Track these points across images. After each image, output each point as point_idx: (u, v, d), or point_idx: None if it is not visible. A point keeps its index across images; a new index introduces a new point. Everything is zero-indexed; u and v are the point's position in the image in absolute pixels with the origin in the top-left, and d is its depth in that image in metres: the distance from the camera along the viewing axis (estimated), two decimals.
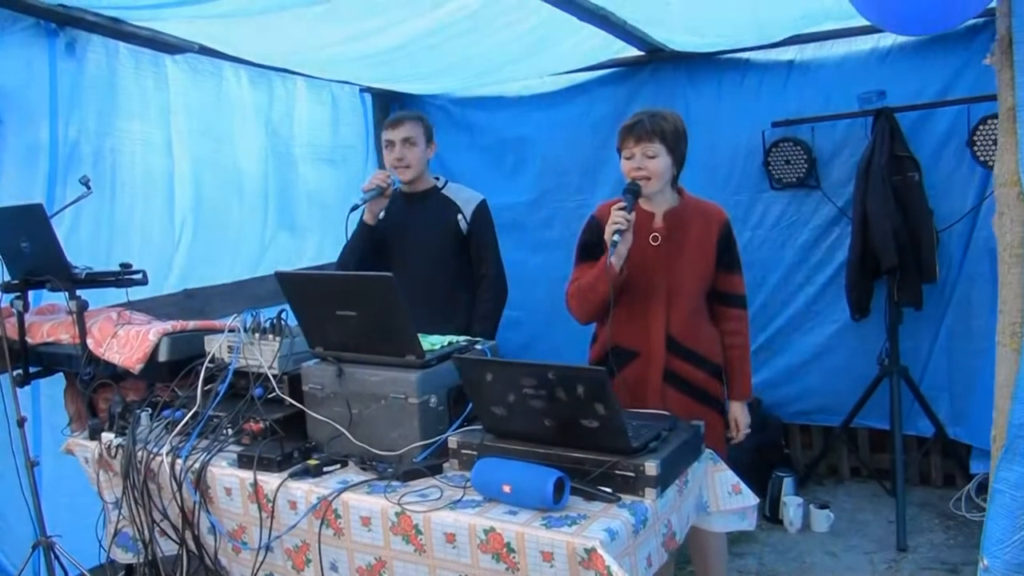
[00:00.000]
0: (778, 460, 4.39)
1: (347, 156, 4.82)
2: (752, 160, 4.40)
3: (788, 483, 4.13)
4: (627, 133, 2.72)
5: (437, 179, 3.52)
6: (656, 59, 4.48)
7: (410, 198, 3.46)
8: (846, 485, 4.52)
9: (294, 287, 2.40)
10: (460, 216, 3.41)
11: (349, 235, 3.33)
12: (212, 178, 3.98)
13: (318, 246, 4.63)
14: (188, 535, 2.40)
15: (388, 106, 5.09)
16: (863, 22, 3.59)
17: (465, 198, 3.45)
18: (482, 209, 3.45)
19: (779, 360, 4.50)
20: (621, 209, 2.60)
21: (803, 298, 4.42)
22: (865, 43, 4.11)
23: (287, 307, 2.46)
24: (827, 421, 4.48)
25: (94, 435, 2.63)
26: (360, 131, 4.95)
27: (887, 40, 4.05)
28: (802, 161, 4.24)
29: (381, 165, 5.04)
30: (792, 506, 4.04)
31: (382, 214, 3.36)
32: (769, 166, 4.32)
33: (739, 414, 2.91)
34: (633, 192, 2.67)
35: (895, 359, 4.04)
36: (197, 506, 2.34)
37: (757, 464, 4.20)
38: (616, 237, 2.58)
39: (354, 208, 3.19)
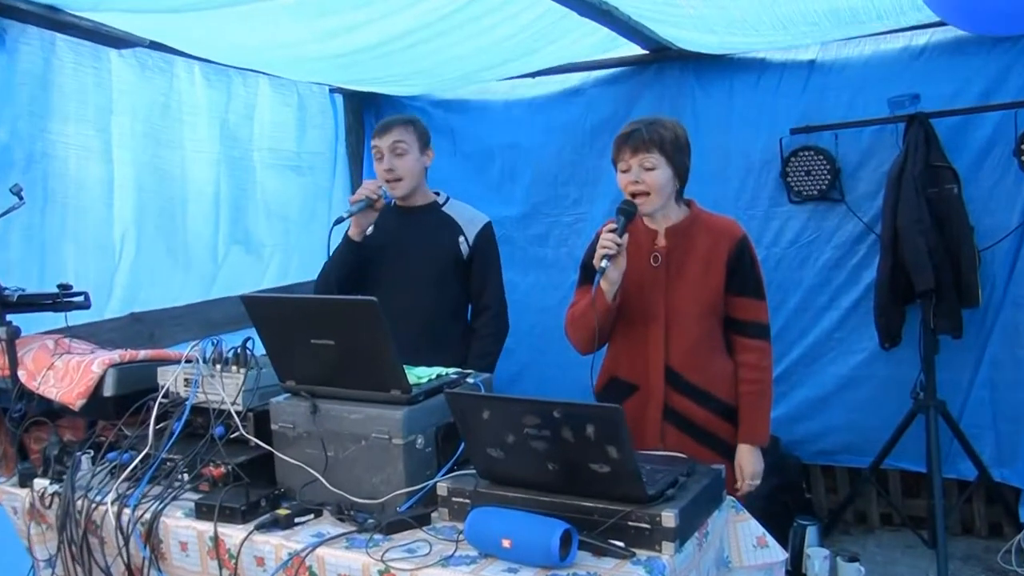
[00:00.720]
0: (799, 506, 4.39)
1: (314, 163, 4.81)
2: (768, 171, 4.42)
3: (811, 532, 4.10)
4: (622, 143, 2.74)
5: (437, 194, 3.50)
6: (661, 58, 4.50)
7: (405, 213, 3.43)
8: (877, 535, 4.52)
9: (262, 312, 2.37)
10: (462, 238, 3.40)
11: (331, 251, 3.30)
12: (157, 186, 3.93)
13: (280, 265, 4.60)
14: None
15: (360, 109, 5.11)
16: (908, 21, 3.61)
17: (468, 218, 3.44)
18: (487, 232, 3.45)
19: (799, 393, 4.51)
20: (612, 231, 2.62)
21: (826, 324, 4.42)
22: (896, 41, 4.12)
23: (253, 334, 2.42)
24: (854, 462, 4.48)
25: (24, 482, 2.58)
26: (329, 136, 4.95)
27: (922, 37, 4.06)
28: (824, 172, 4.25)
29: (355, 174, 5.07)
30: (817, 559, 4.00)
31: (370, 229, 3.34)
32: (787, 177, 4.33)
33: (746, 460, 2.85)
34: (626, 213, 2.68)
35: (931, 392, 4.03)
36: (147, 563, 2.29)
37: (775, 510, 4.17)
38: (605, 264, 2.59)
39: (338, 221, 3.17)
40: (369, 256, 3.38)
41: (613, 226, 2.64)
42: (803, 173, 4.29)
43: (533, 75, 4.77)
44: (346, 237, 3.33)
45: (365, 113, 5.14)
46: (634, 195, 2.73)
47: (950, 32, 3.96)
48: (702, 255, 2.80)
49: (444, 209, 3.45)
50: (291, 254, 4.62)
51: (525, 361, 4.89)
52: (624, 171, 2.75)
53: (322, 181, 4.85)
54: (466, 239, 3.40)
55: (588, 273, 2.83)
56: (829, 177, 4.25)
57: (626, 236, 2.66)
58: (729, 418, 2.86)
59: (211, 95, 4.15)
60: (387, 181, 3.34)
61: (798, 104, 4.30)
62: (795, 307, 4.46)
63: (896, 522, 4.53)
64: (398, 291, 3.27)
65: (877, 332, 4.15)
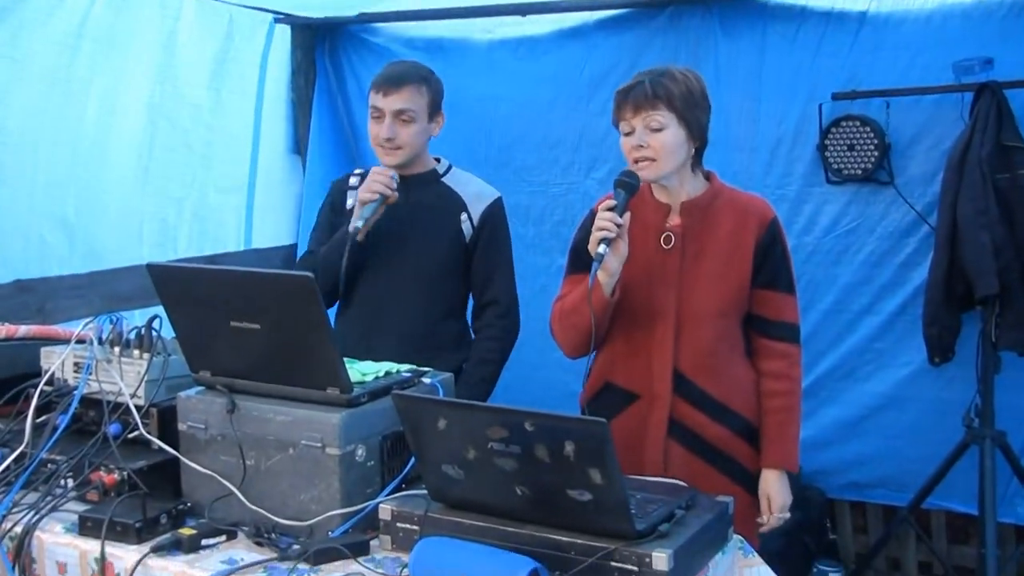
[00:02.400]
0: (821, 548, 4.43)
1: (243, 108, 4.80)
2: (803, 143, 4.42)
3: None
4: (623, 100, 2.73)
5: (438, 161, 3.46)
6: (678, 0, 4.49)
7: (403, 185, 3.36)
8: None
9: (171, 285, 2.35)
10: (464, 215, 3.35)
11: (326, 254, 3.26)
12: (51, 129, 3.90)
13: (208, 229, 4.59)
14: None
15: (312, 43, 5.07)
16: None
17: (474, 192, 3.40)
18: (495, 211, 3.41)
19: (827, 413, 4.51)
20: (610, 210, 2.61)
21: (864, 331, 4.43)
22: None
23: (162, 312, 2.41)
24: (889, 499, 4.49)
25: None
26: (280, 78, 4.95)
27: None
28: (871, 147, 4.24)
29: (301, 125, 5.03)
30: None
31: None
32: (826, 151, 4.33)
33: (773, 488, 2.86)
34: (627, 187, 2.68)
35: (988, 420, 4.04)
36: None
37: (792, 553, 4.19)
38: (603, 249, 2.58)
39: (353, 235, 3.14)
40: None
41: (612, 203, 2.62)
42: (845, 148, 4.28)
43: (523, 11, 4.74)
44: (346, 233, 3.24)
45: (318, 52, 5.11)
46: (637, 162, 2.70)
47: None
48: (725, 238, 2.79)
49: (445, 180, 3.40)
50: (224, 217, 4.61)
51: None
52: (627, 133, 2.73)
53: (264, 136, 4.88)
54: (470, 217, 3.35)
55: (580, 259, 2.82)
56: (876, 154, 4.24)
57: (627, 215, 2.64)
58: (748, 438, 2.86)
59: (116, 19, 4.10)
60: (382, 147, 3.29)
61: (844, 64, 4.29)
62: (828, 309, 4.46)
63: (938, 572, 4.56)
64: (382, 279, 3.28)
65: (926, 344, 4.15)
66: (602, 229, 2.58)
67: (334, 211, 3.49)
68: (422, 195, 3.35)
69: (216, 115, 4.61)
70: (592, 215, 2.77)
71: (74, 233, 4.01)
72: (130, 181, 4.23)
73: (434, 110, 3.32)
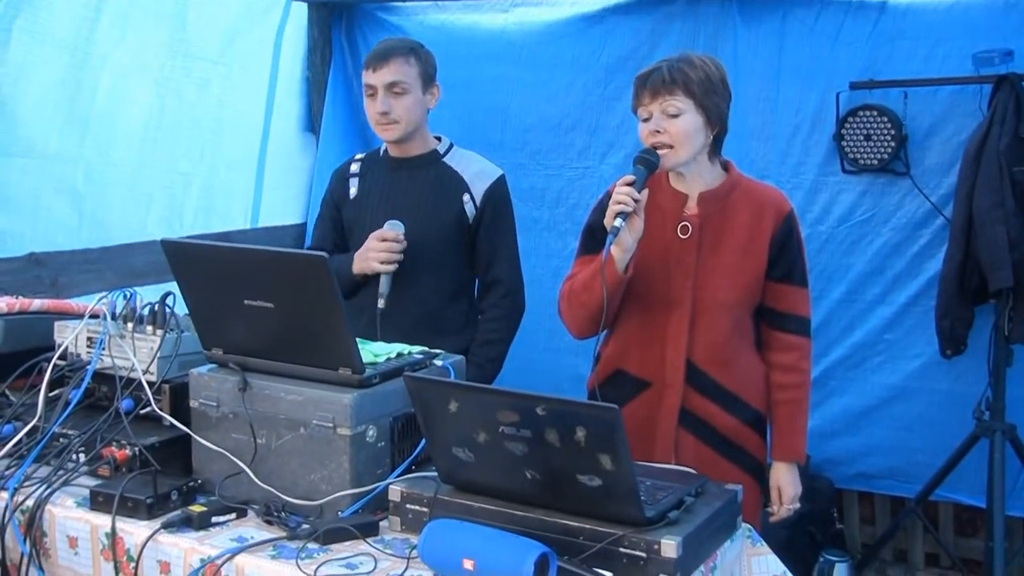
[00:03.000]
0: (828, 538, 4.42)
1: (257, 85, 4.79)
2: (820, 131, 4.40)
3: (841, 570, 4.14)
4: (641, 86, 2.73)
5: (439, 140, 3.45)
6: None
7: (397, 165, 3.38)
8: None
9: (186, 261, 2.35)
10: (467, 196, 3.34)
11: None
12: (66, 103, 3.88)
13: (215, 205, 4.60)
14: None
15: (328, 21, 5.05)
16: None
17: (476, 171, 3.38)
18: (498, 189, 3.39)
19: (836, 403, 4.51)
20: (628, 185, 2.60)
21: (876, 322, 4.42)
22: None
23: (175, 289, 2.41)
24: (898, 490, 4.49)
25: None
26: (295, 56, 4.92)
27: None
28: (888, 137, 4.23)
29: (315, 105, 5.03)
30: None
31: (354, 189, 3.31)
32: (842, 140, 4.32)
33: (785, 480, 2.89)
34: (647, 163, 2.67)
35: (999, 413, 4.03)
36: (26, 560, 2.28)
37: (798, 541, 4.19)
38: (619, 223, 2.57)
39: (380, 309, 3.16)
40: (354, 220, 3.37)
41: (631, 178, 2.61)
42: (861, 137, 4.27)
43: None
44: (355, 276, 3.29)
45: (334, 30, 5.10)
46: (655, 148, 2.69)
47: None
48: (742, 230, 2.79)
49: (446, 160, 3.39)
50: (236, 194, 4.62)
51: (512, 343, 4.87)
52: (645, 119, 2.73)
53: (282, 116, 4.87)
54: (472, 197, 3.33)
55: (593, 239, 2.82)
56: (893, 144, 4.22)
57: (645, 192, 2.63)
58: (758, 428, 2.87)
59: None
60: (380, 125, 3.30)
61: (862, 53, 4.27)
62: (840, 299, 4.45)
63: (945, 564, 4.56)
64: None
65: (938, 336, 4.14)
66: (619, 203, 2.57)
67: (335, 205, 3.50)
68: (423, 177, 3.35)
69: (228, 91, 4.59)
70: (608, 195, 2.77)
71: (83, 206, 4.01)
72: (138, 155, 4.22)
73: (427, 81, 3.32)
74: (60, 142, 3.89)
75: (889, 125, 4.21)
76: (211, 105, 4.53)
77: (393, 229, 3.23)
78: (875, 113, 4.22)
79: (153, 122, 4.27)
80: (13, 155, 3.73)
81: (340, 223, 3.47)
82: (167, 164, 4.36)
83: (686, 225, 2.78)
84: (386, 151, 3.42)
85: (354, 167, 3.48)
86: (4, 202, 3.70)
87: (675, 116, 2.68)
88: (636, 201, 2.58)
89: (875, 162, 4.27)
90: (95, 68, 3.99)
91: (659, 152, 2.69)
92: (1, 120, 3.68)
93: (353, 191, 3.41)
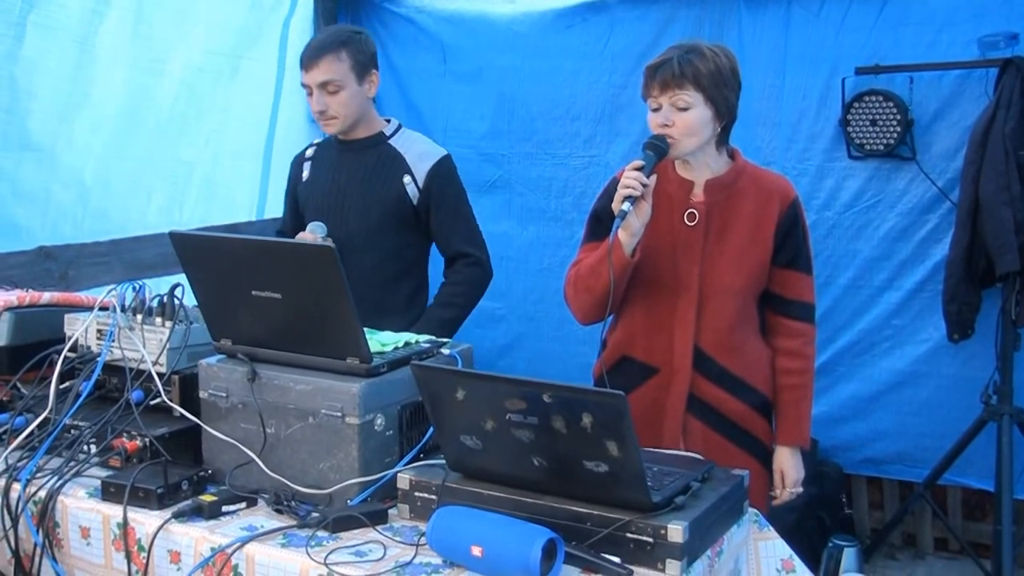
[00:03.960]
0: (836, 523, 4.42)
1: (264, 76, 4.78)
2: (825, 117, 4.40)
3: (849, 555, 4.10)
4: (651, 77, 2.72)
5: (388, 122, 3.44)
6: None
7: (344, 148, 3.39)
8: (928, 562, 4.56)
9: (194, 253, 2.35)
10: (408, 178, 3.32)
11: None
12: (79, 95, 3.87)
13: (228, 198, 4.59)
14: None
15: (335, 13, 5.08)
16: None
17: (419, 152, 3.36)
18: (442, 169, 3.35)
19: (843, 389, 4.52)
20: (637, 170, 2.60)
21: (883, 307, 4.42)
22: None
23: (183, 281, 2.42)
24: (906, 475, 4.49)
25: None
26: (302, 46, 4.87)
27: None
28: (894, 122, 4.22)
29: None
30: None
31: (307, 171, 3.28)
32: (848, 126, 4.31)
33: (787, 464, 2.90)
34: (656, 149, 2.67)
35: (1006, 397, 4.03)
36: (39, 551, 2.28)
37: (807, 527, 4.19)
38: (627, 206, 2.58)
39: None
40: (304, 203, 3.40)
41: (640, 163, 2.61)
42: (867, 122, 4.26)
43: None
44: None
45: (340, 18, 5.10)
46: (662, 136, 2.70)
47: None
48: (749, 217, 2.79)
49: (391, 142, 3.38)
50: (241, 187, 4.61)
51: (517, 331, 4.90)
52: (654, 109, 2.73)
53: (286, 101, 4.85)
54: (414, 179, 3.31)
55: (600, 225, 2.82)
56: (899, 129, 4.22)
57: (654, 177, 2.64)
58: (765, 412, 2.88)
59: None
60: (320, 121, 3.30)
61: (868, 39, 4.27)
62: (847, 284, 4.45)
63: (953, 548, 4.56)
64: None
65: (945, 321, 4.14)
66: (628, 187, 2.58)
67: (292, 189, 3.55)
68: (362, 159, 3.35)
69: (236, 82, 4.58)
70: (614, 181, 2.78)
71: (91, 199, 4.00)
72: (146, 148, 4.21)
73: (363, 71, 3.27)
74: (70, 135, 3.89)
75: (895, 110, 4.20)
76: (218, 97, 4.52)
77: (314, 232, 3.25)
78: (881, 98, 4.22)
79: (164, 114, 4.27)
80: (26, 149, 3.74)
81: (297, 207, 3.51)
82: (174, 156, 4.36)
83: (693, 212, 2.78)
84: (337, 136, 3.41)
85: (309, 152, 3.51)
86: (16, 196, 3.70)
87: (684, 109, 2.67)
88: (644, 186, 2.59)
89: (881, 147, 4.27)
90: (105, 60, 3.98)
91: (667, 139, 2.69)
92: (14, 114, 3.68)
93: (305, 175, 3.44)
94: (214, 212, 4.57)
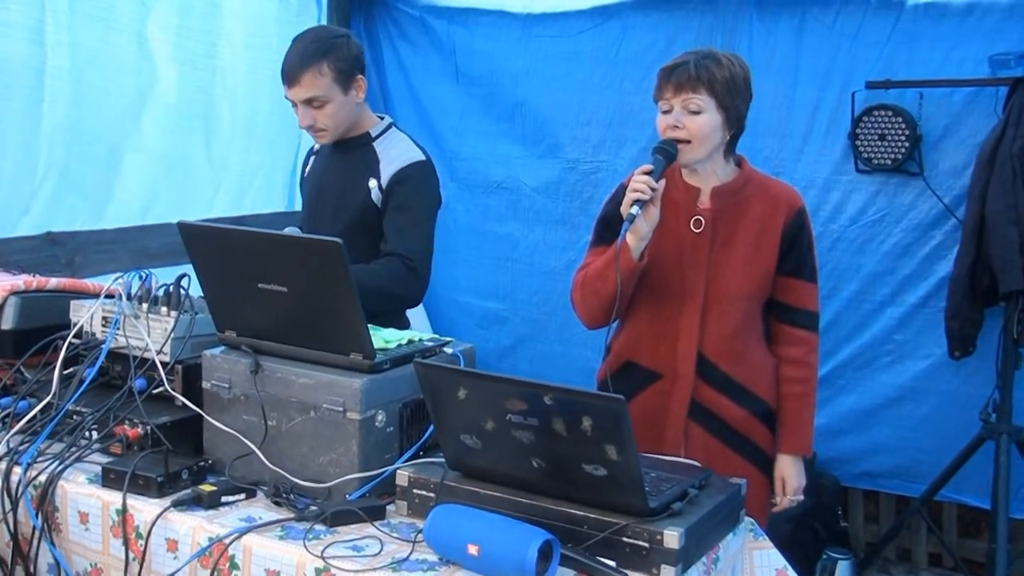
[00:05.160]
0: (831, 535, 4.41)
1: (275, 75, 4.73)
2: (835, 130, 4.40)
3: (844, 567, 4.13)
4: (665, 79, 2.72)
5: (382, 118, 3.35)
6: None
7: (335, 146, 3.30)
8: None
9: (201, 244, 2.35)
10: (374, 181, 3.17)
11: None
12: (100, 80, 3.89)
13: (237, 189, 4.60)
14: (20, 575, 2.34)
15: (348, 11, 5.08)
16: None
17: (394, 155, 3.20)
18: (408, 172, 3.16)
19: (843, 401, 4.52)
20: (647, 174, 2.59)
21: (886, 321, 4.42)
22: None
23: (191, 271, 2.41)
24: (903, 489, 4.49)
25: None
26: None
27: None
28: (902, 138, 4.22)
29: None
30: None
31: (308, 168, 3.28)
32: (857, 140, 4.31)
33: (789, 472, 2.89)
34: (666, 154, 2.66)
35: (1005, 415, 4.01)
36: (37, 535, 2.29)
37: (802, 537, 4.19)
38: (635, 210, 2.57)
39: None
40: (303, 196, 3.41)
41: (649, 167, 2.61)
42: (876, 137, 4.26)
43: None
44: None
45: (353, 20, 5.10)
46: (672, 141, 2.69)
47: None
48: (755, 225, 2.79)
49: (374, 143, 3.25)
50: (254, 177, 4.62)
51: (521, 333, 4.89)
52: (665, 111, 2.72)
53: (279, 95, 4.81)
54: (379, 183, 3.16)
55: (608, 229, 2.82)
56: (907, 145, 4.21)
57: (662, 182, 2.63)
58: (767, 420, 2.88)
59: None
60: (309, 133, 3.23)
61: (880, 54, 4.27)
62: (850, 298, 4.45)
63: (948, 565, 4.55)
64: None
65: (947, 337, 4.13)
66: (636, 191, 2.57)
67: (300, 182, 3.54)
68: (345, 160, 3.26)
69: (251, 77, 4.60)
70: (623, 187, 2.77)
71: (108, 186, 4.02)
72: (163, 139, 4.22)
73: (346, 81, 3.12)
74: (90, 122, 3.90)
75: (904, 125, 4.20)
76: (238, 91, 4.53)
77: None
78: (890, 113, 4.21)
79: (183, 107, 4.29)
80: (42, 135, 3.75)
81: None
82: (193, 149, 4.38)
83: (699, 219, 2.78)
84: None
85: (316, 146, 3.44)
86: (28, 180, 3.71)
87: (696, 113, 2.67)
88: (653, 190, 2.58)
89: (889, 162, 4.26)
90: (135, 55, 4.01)
91: (677, 144, 2.69)
92: (35, 101, 3.70)
93: (307, 170, 3.43)
94: (247, 202, 4.60)
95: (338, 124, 3.17)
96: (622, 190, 2.76)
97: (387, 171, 3.16)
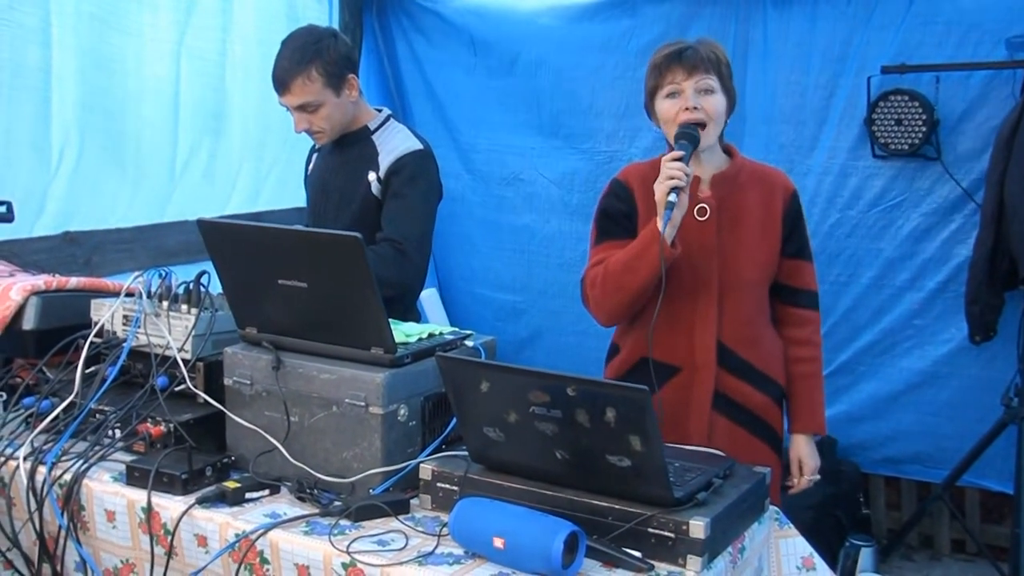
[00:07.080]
0: (853, 522, 4.42)
1: None
2: (850, 116, 4.39)
3: (866, 555, 4.12)
4: (674, 62, 2.69)
5: (379, 111, 3.35)
6: None
7: (335, 142, 3.31)
8: (945, 563, 4.54)
9: (221, 241, 2.36)
10: (373, 174, 3.20)
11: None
12: (107, 81, 3.89)
13: (253, 185, 4.60)
14: (47, 573, 2.35)
15: (359, 3, 5.09)
16: None
17: (392, 147, 3.21)
18: (406, 161, 3.17)
19: (863, 388, 4.52)
20: (678, 159, 2.56)
21: (904, 307, 4.42)
22: None
23: (209, 268, 2.42)
24: (924, 475, 4.49)
25: None
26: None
27: None
28: (919, 122, 4.21)
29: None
30: None
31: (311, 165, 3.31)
32: (873, 125, 4.30)
33: (805, 452, 2.90)
34: (691, 139, 2.63)
35: None
36: (64, 533, 2.30)
37: (824, 525, 4.19)
38: (674, 196, 2.53)
39: None
40: (307, 194, 3.42)
41: (679, 154, 2.56)
42: (892, 122, 4.25)
43: None
44: None
45: (365, 12, 5.10)
46: (690, 124, 2.67)
47: None
48: (756, 209, 2.80)
49: (373, 137, 3.27)
50: (266, 176, 4.61)
51: (537, 325, 4.90)
52: (671, 95, 2.70)
53: None
54: (378, 175, 3.19)
55: (614, 224, 2.80)
56: (924, 129, 4.20)
57: (692, 167, 2.60)
58: (779, 402, 2.89)
59: None
60: (307, 135, 3.25)
61: (895, 37, 4.25)
62: (869, 284, 4.45)
63: (971, 551, 4.55)
64: None
65: (967, 322, 4.13)
66: (673, 178, 2.52)
67: (304, 180, 3.55)
68: (344, 156, 3.29)
69: (264, 72, 4.59)
70: (616, 181, 2.80)
71: (124, 185, 4.03)
72: (176, 136, 4.23)
73: (337, 82, 3.15)
74: (104, 123, 3.91)
75: (920, 110, 4.19)
76: (250, 86, 4.51)
77: None
78: (906, 98, 4.20)
79: (195, 104, 4.30)
80: (53, 136, 3.74)
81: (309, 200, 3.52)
82: (207, 146, 4.39)
83: (703, 207, 2.75)
84: None
85: (318, 144, 3.43)
86: (42, 181, 3.72)
87: (710, 93, 2.67)
88: (688, 175, 2.54)
89: (906, 147, 4.25)
90: (150, 52, 4.03)
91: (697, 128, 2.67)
92: (43, 103, 3.70)
93: (310, 168, 3.44)
94: (263, 198, 4.64)
95: (334, 125, 3.20)
96: (616, 185, 2.79)
97: (384, 163, 3.19)
